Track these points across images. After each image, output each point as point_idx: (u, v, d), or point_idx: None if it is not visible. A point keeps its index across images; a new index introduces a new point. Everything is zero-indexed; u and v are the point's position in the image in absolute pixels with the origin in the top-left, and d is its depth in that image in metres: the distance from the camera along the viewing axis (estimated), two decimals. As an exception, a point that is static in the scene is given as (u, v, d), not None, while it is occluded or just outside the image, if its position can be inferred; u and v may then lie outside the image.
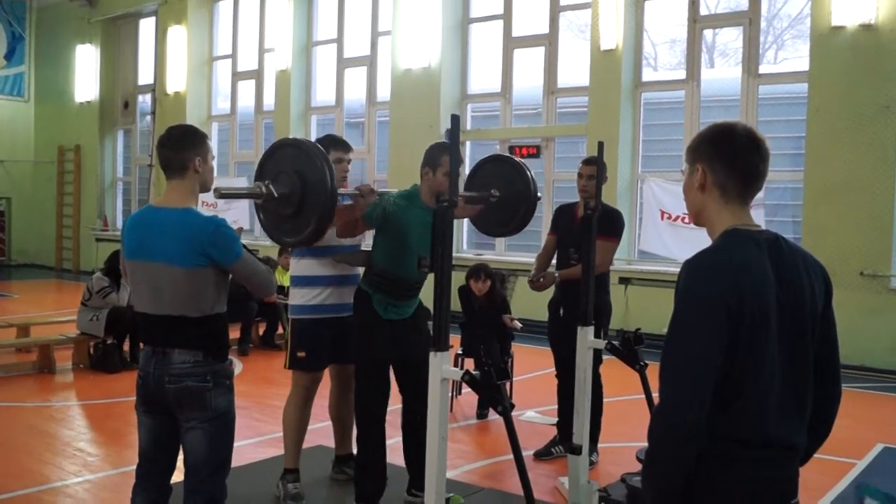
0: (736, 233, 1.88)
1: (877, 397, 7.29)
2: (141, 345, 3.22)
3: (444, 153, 3.83)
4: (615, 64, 9.89)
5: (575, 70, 10.69)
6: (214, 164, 3.09)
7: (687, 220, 7.69)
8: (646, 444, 1.84)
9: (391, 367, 4.07)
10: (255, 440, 5.47)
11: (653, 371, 2.34)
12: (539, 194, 4.63)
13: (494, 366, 2.86)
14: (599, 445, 5.12)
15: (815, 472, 4.55)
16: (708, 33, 10.08)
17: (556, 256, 5.23)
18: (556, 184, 10.79)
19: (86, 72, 16.81)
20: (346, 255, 4.23)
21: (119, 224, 16.11)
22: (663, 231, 9.28)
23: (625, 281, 9.46)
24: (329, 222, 3.24)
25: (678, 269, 1.89)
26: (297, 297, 4.30)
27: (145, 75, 16.27)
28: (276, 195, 3.13)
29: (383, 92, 12.39)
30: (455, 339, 4.10)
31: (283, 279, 8.35)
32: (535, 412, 6.29)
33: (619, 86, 9.87)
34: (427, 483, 2.91)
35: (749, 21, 9.31)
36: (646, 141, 10.18)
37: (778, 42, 10.17)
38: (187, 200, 2.96)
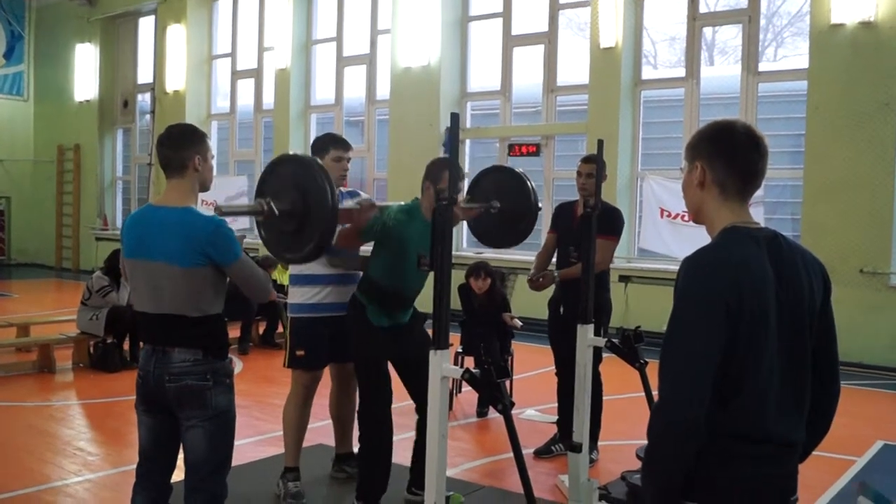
0: (735, 230, 1.88)
1: (876, 394, 7.29)
2: (141, 344, 3.21)
3: (445, 169, 3.81)
4: (615, 62, 9.89)
5: (574, 68, 10.69)
6: (214, 162, 3.09)
7: (686, 218, 7.69)
8: (646, 441, 1.85)
9: (392, 367, 4.07)
10: (256, 439, 5.47)
11: (653, 369, 2.34)
12: (540, 205, 4.68)
13: (494, 364, 2.86)
14: (599, 443, 5.12)
15: (814, 470, 4.55)
16: (707, 31, 10.08)
17: (556, 255, 5.23)
18: (555, 182, 10.79)
19: (85, 71, 16.80)
20: (343, 260, 4.22)
21: (119, 223, 16.11)
22: (663, 229, 9.29)
23: (625, 279, 9.47)
24: (331, 239, 3.23)
25: (678, 267, 1.89)
26: (297, 295, 4.30)
27: (144, 74, 16.26)
28: (277, 213, 3.13)
29: (383, 90, 12.39)
30: (455, 338, 4.10)
31: (283, 278, 8.35)
32: (535, 410, 6.29)
33: (619, 84, 9.87)
34: (427, 481, 2.91)
35: (748, 18, 9.31)
36: (645, 139, 10.18)
37: (777, 39, 10.17)
38: (187, 199, 2.96)
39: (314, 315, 4.26)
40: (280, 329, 8.86)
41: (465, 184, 4.70)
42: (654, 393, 2.12)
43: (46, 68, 17.77)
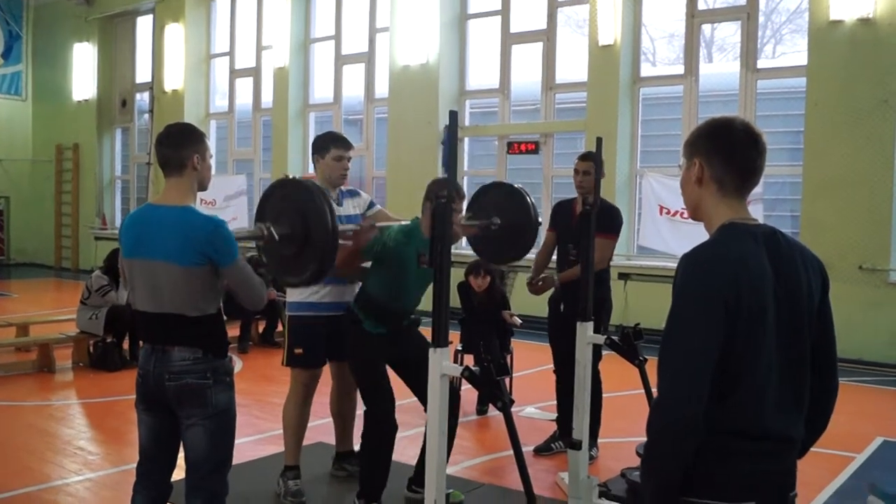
0: (733, 227, 1.88)
1: (875, 391, 7.30)
2: (140, 343, 3.21)
3: (444, 189, 3.82)
4: (613, 59, 9.89)
5: (573, 66, 10.69)
6: (213, 161, 3.09)
7: (685, 215, 7.69)
8: (645, 438, 1.85)
9: (391, 370, 4.07)
10: (256, 437, 5.47)
11: (652, 366, 2.34)
12: (539, 220, 4.71)
13: (494, 362, 2.87)
14: (599, 440, 5.12)
15: (814, 466, 4.56)
16: (706, 28, 10.08)
17: (555, 253, 5.23)
18: (554, 180, 10.78)
19: (83, 70, 16.78)
20: (342, 270, 4.21)
21: (118, 222, 16.10)
22: (662, 226, 9.29)
23: (624, 276, 9.45)
24: (332, 262, 3.24)
25: (677, 264, 1.89)
26: (296, 294, 4.30)
27: (143, 73, 16.25)
28: (277, 237, 3.13)
29: (381, 89, 12.39)
30: (454, 336, 4.10)
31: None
32: (534, 408, 6.30)
33: (618, 81, 9.87)
34: (427, 479, 2.91)
35: (747, 15, 9.31)
36: (644, 136, 10.18)
37: (776, 36, 10.17)
38: (186, 198, 2.96)
39: (312, 314, 4.26)
40: (280, 328, 8.86)
41: (464, 204, 4.71)
42: (654, 390, 2.12)
43: (44, 68, 17.75)
